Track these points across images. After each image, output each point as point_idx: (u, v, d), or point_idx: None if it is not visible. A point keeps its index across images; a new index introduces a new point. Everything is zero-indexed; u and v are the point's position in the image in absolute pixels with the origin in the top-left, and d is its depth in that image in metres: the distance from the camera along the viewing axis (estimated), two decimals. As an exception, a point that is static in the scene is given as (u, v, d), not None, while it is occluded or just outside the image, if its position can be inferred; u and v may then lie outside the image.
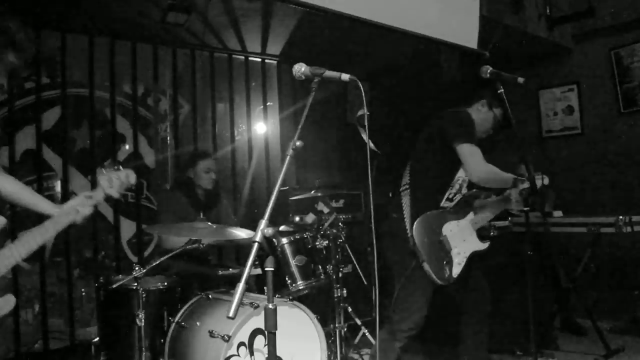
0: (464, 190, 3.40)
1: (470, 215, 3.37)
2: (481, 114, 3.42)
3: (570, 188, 5.86)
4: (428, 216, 3.19)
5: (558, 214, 5.00)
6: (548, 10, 5.70)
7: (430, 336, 4.44)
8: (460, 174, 3.32)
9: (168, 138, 5.38)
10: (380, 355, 3.21)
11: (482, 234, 3.40)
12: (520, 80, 3.11)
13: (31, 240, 2.32)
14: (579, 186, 5.87)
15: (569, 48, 6.06)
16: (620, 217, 4.24)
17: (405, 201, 3.26)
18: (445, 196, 3.32)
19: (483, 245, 3.37)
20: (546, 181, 3.50)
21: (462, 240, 3.29)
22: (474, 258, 3.33)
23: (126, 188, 2.68)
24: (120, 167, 2.63)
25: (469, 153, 3.18)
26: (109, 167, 2.63)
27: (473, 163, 3.17)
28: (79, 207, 2.51)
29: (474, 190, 3.39)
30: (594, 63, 5.92)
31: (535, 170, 3.42)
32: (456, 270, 3.20)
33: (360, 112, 5.73)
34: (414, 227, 3.12)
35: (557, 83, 6.22)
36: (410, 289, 3.19)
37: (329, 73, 2.15)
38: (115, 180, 2.59)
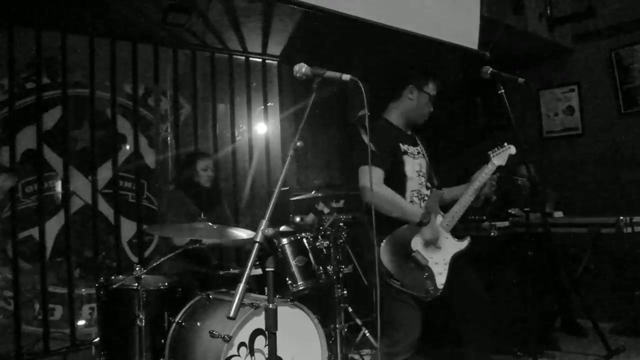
0: (427, 196, 3.27)
1: (439, 219, 3.20)
2: (413, 101, 3.27)
3: (571, 188, 5.86)
4: (393, 236, 3.07)
5: (559, 214, 5.00)
6: (549, 11, 5.71)
7: (431, 337, 4.45)
8: (416, 184, 3.21)
9: (169, 138, 5.38)
10: None
11: (457, 234, 3.25)
12: (521, 80, 3.12)
13: None
14: (580, 187, 5.87)
15: (569, 48, 6.06)
16: (621, 217, 4.23)
17: (368, 223, 3.07)
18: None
19: (462, 245, 3.21)
20: (512, 150, 3.38)
21: (437, 248, 3.15)
22: (460, 259, 3.21)
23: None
24: None
25: (362, 175, 3.11)
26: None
27: (364, 185, 3.08)
28: None
29: (435, 190, 3.26)
30: (594, 63, 5.92)
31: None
32: (440, 280, 3.07)
33: (361, 113, 5.72)
34: (381, 252, 3.00)
35: (557, 83, 6.22)
36: (395, 313, 3.07)
37: (330, 73, 2.15)
38: None
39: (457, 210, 3.23)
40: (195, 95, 5.51)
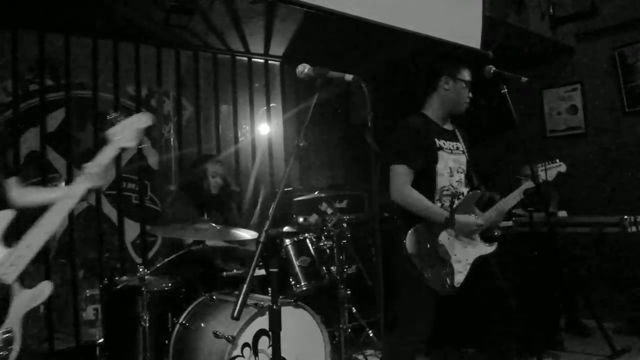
0: (463, 194, 3.25)
1: (472, 218, 3.20)
2: (450, 91, 3.24)
3: (574, 188, 5.85)
4: (422, 226, 3.07)
5: (562, 214, 5.00)
6: (551, 10, 5.70)
7: (450, 338, 4.45)
8: (447, 181, 3.18)
9: (172, 139, 5.39)
10: None
11: (486, 236, 3.26)
12: (524, 79, 3.11)
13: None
14: (583, 186, 5.86)
15: (572, 47, 6.05)
16: (625, 217, 4.23)
17: (400, 218, 3.14)
18: (443, 203, 3.17)
19: (488, 249, 3.23)
20: (563, 168, 3.44)
21: (463, 247, 3.16)
22: (485, 262, 3.21)
23: (142, 134, 2.52)
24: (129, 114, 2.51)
25: (393, 175, 3.10)
26: (115, 117, 2.52)
27: (393, 185, 3.09)
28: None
29: (476, 191, 3.25)
30: (597, 62, 5.92)
31: (556, 179, 3.40)
32: (458, 278, 3.07)
33: (363, 113, 5.72)
34: (407, 238, 3.02)
35: (560, 83, 6.21)
36: (412, 304, 3.09)
37: (333, 73, 2.15)
38: (126, 130, 2.48)
39: (492, 214, 3.25)
40: (198, 96, 5.51)
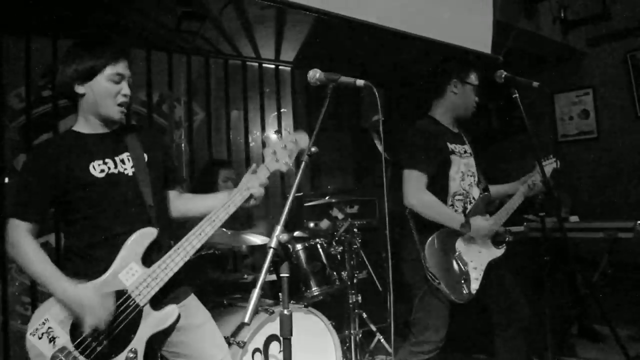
0: (475, 197, 3.26)
1: (484, 222, 3.19)
2: (458, 95, 3.24)
3: (587, 193, 5.82)
4: (438, 235, 3.05)
5: (574, 219, 4.96)
6: (562, 14, 5.68)
7: (462, 344, 4.42)
8: (458, 186, 3.18)
9: (183, 145, 5.40)
10: None
11: (496, 240, 3.26)
12: (535, 84, 3.09)
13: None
14: (595, 191, 5.82)
15: (584, 52, 6.02)
16: (639, 221, 4.19)
17: (412, 223, 3.13)
18: (457, 209, 3.18)
19: (499, 252, 3.23)
20: (558, 164, 3.44)
21: (478, 252, 3.16)
22: (497, 267, 3.21)
23: (298, 153, 2.48)
24: (286, 132, 2.47)
25: (406, 179, 3.08)
26: (272, 137, 2.48)
27: (407, 190, 3.06)
28: (249, 185, 2.39)
29: (486, 194, 3.26)
30: (609, 66, 5.88)
31: (552, 175, 3.39)
32: (474, 286, 3.07)
33: (374, 118, 5.73)
34: (426, 248, 3.00)
35: (572, 87, 6.18)
36: (427, 312, 3.07)
37: (344, 79, 2.15)
38: (281, 151, 2.46)
39: (502, 216, 3.25)
40: (209, 101, 5.54)
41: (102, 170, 2.28)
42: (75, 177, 2.23)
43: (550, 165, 3.42)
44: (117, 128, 2.40)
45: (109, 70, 2.27)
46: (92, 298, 2.11)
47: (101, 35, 2.38)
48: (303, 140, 2.49)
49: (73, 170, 2.23)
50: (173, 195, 2.61)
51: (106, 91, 2.27)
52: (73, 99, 2.33)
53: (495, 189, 3.42)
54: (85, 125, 2.35)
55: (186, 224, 2.51)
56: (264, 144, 2.47)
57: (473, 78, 3.25)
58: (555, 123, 6.31)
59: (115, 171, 2.31)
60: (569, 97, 6.21)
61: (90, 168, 2.26)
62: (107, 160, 2.31)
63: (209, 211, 2.36)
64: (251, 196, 2.38)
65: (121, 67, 2.30)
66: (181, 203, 2.61)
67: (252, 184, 2.38)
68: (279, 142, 2.46)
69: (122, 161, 2.35)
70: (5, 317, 4.26)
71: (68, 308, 2.13)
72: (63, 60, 2.29)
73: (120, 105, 2.31)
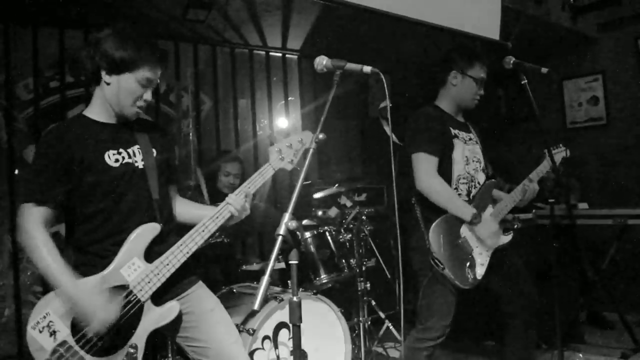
0: (480, 182, 3.24)
1: (489, 209, 3.21)
2: (458, 87, 3.21)
3: (596, 180, 5.79)
4: (443, 219, 3.02)
5: (583, 206, 4.94)
6: (572, 0, 5.62)
7: (471, 331, 4.43)
8: (463, 169, 3.16)
9: (190, 134, 5.41)
10: None
11: (504, 227, 3.24)
12: (544, 70, 3.07)
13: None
14: (605, 178, 5.79)
15: (593, 37, 5.97)
16: (648, 208, 4.18)
17: (418, 210, 3.11)
18: (460, 193, 3.15)
19: (505, 239, 3.21)
20: (566, 153, 3.43)
21: (483, 238, 3.13)
22: (506, 254, 3.21)
23: (303, 152, 2.49)
24: (292, 131, 2.49)
25: (416, 163, 3.06)
26: (278, 136, 2.50)
27: (419, 174, 3.04)
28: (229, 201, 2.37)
29: (492, 180, 3.23)
30: (619, 52, 5.83)
31: (561, 162, 3.38)
32: (480, 272, 3.06)
33: (382, 105, 5.71)
34: (430, 233, 2.97)
35: (581, 73, 6.13)
36: (433, 297, 3.06)
37: (351, 65, 2.14)
38: (286, 150, 2.47)
39: (507, 203, 3.22)
40: (216, 91, 5.54)
41: (117, 160, 2.28)
42: (90, 165, 2.22)
43: (559, 153, 3.41)
44: (128, 121, 2.39)
45: (142, 73, 2.26)
46: (93, 301, 2.10)
47: (142, 33, 2.33)
48: (309, 139, 2.51)
49: (88, 157, 2.22)
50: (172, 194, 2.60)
51: (131, 91, 2.26)
52: (94, 82, 2.31)
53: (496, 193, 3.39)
54: (98, 112, 2.33)
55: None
56: (272, 144, 2.46)
57: (476, 71, 3.20)
58: (564, 110, 6.27)
59: (130, 161, 2.31)
60: (578, 84, 6.16)
61: (106, 157, 2.25)
62: (120, 150, 2.30)
63: (198, 219, 2.37)
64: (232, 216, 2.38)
65: (153, 74, 2.29)
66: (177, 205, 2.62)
67: (235, 201, 2.37)
68: (284, 141, 2.48)
69: (134, 153, 2.34)
70: (17, 306, 4.31)
71: (71, 306, 2.12)
72: (103, 42, 2.23)
73: (137, 107, 2.31)
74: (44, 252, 2.14)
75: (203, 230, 2.32)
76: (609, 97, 5.94)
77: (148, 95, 2.31)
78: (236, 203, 2.36)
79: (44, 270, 2.14)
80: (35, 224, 2.15)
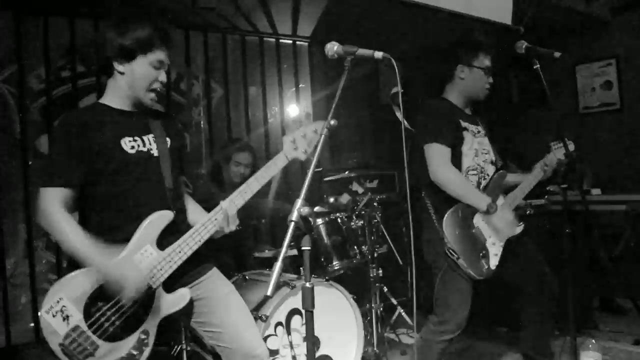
0: (489, 174, 3.23)
1: (501, 199, 3.20)
2: (466, 80, 3.21)
3: (609, 165, 5.74)
4: (456, 209, 3.02)
5: (596, 191, 4.91)
6: (585, -18, 5.55)
7: (484, 317, 4.42)
8: (472, 161, 3.15)
9: (201, 122, 5.42)
10: (420, 357, 3.11)
11: (518, 213, 3.24)
12: (557, 54, 3.04)
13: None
14: (618, 163, 5.74)
15: (607, 21, 5.89)
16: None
17: (429, 202, 3.12)
18: (472, 183, 3.14)
19: (518, 229, 3.20)
20: (571, 147, 3.42)
21: (496, 228, 3.12)
22: (521, 240, 3.20)
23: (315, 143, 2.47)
24: (306, 121, 2.50)
25: (430, 154, 3.05)
26: (292, 126, 2.47)
27: (433, 165, 3.03)
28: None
29: (502, 172, 3.22)
30: (633, 36, 5.75)
31: (574, 147, 3.35)
32: (494, 262, 3.05)
33: (394, 90, 5.68)
34: (444, 223, 2.97)
35: (594, 58, 6.06)
36: (448, 290, 3.06)
37: (362, 51, 2.13)
38: (300, 139, 2.47)
39: (518, 194, 3.23)
40: (227, 78, 5.54)
41: (133, 147, 2.29)
42: (106, 149, 2.23)
43: (560, 149, 3.39)
44: (142, 109, 2.40)
45: (152, 56, 2.27)
46: (123, 267, 2.13)
47: (146, 15, 2.33)
48: (319, 127, 2.50)
49: (104, 142, 2.23)
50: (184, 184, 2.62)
51: (145, 75, 2.27)
52: (108, 73, 2.32)
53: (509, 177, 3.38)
54: (114, 100, 2.35)
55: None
56: (283, 132, 2.46)
57: (482, 61, 3.19)
58: (577, 95, 6.21)
59: (145, 149, 2.33)
60: (591, 68, 6.09)
61: (122, 143, 2.27)
62: (136, 137, 2.32)
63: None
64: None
65: (164, 55, 2.31)
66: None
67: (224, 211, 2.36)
68: (298, 131, 2.47)
69: (149, 141, 2.36)
70: (33, 294, 4.36)
71: (101, 276, 2.14)
72: (108, 31, 2.25)
73: (153, 91, 2.32)
74: (67, 229, 2.15)
75: (216, 219, 2.33)
76: (623, 81, 5.87)
77: (163, 77, 2.33)
78: (220, 219, 2.36)
79: (68, 246, 2.15)
80: (55, 205, 2.16)
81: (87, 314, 2.15)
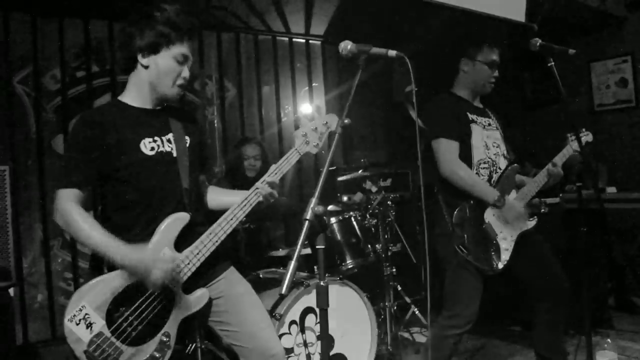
0: (501, 167, 3.21)
1: (513, 194, 3.19)
2: (470, 73, 3.24)
3: (624, 163, 5.68)
4: (466, 205, 3.02)
5: (611, 190, 4.87)
6: (599, -22, 5.50)
7: (497, 316, 4.41)
8: (483, 154, 3.15)
9: (215, 121, 5.44)
10: (432, 353, 3.09)
11: (531, 211, 3.22)
12: (572, 51, 3.02)
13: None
14: (634, 161, 5.68)
15: (622, 17, 5.83)
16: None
17: (441, 197, 3.12)
18: (482, 177, 3.13)
19: (530, 224, 3.18)
20: (590, 137, 3.40)
21: (507, 223, 3.10)
22: (534, 238, 3.18)
23: (329, 135, 2.50)
24: (317, 115, 2.50)
25: (436, 150, 3.08)
26: (304, 120, 2.47)
27: (441, 160, 3.05)
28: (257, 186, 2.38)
29: (514, 165, 3.19)
30: (649, 32, 5.69)
31: (588, 147, 3.33)
32: (505, 257, 3.03)
33: (407, 89, 5.68)
34: (453, 219, 2.98)
35: (609, 55, 6.01)
36: (458, 285, 3.06)
37: (376, 50, 2.13)
38: (312, 134, 2.47)
39: (530, 188, 3.20)
40: (240, 78, 5.55)
41: (152, 148, 2.29)
42: (125, 151, 2.23)
43: (584, 138, 3.38)
44: (162, 107, 2.40)
45: (177, 49, 2.27)
46: (147, 256, 2.12)
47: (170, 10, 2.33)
48: (334, 122, 2.51)
49: (123, 143, 2.23)
50: (203, 183, 2.61)
51: (169, 69, 2.27)
52: (129, 70, 2.32)
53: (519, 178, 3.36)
54: (135, 98, 2.35)
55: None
56: (296, 126, 2.46)
57: (486, 55, 3.20)
58: (592, 92, 6.15)
59: (164, 150, 2.32)
60: (607, 66, 6.04)
61: (141, 145, 2.26)
62: (156, 138, 2.31)
63: (228, 206, 2.37)
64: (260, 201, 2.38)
65: (188, 49, 2.31)
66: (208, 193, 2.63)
67: (262, 188, 2.37)
68: (310, 125, 2.47)
69: (169, 141, 2.35)
70: (49, 292, 4.41)
71: (132, 272, 2.14)
72: (133, 27, 2.27)
73: (179, 86, 2.32)
74: (86, 226, 2.14)
75: (232, 219, 2.32)
76: (638, 78, 5.81)
77: (186, 73, 2.33)
78: (263, 190, 2.37)
79: (89, 242, 2.15)
80: (72, 204, 2.16)
81: (110, 320, 2.15)
